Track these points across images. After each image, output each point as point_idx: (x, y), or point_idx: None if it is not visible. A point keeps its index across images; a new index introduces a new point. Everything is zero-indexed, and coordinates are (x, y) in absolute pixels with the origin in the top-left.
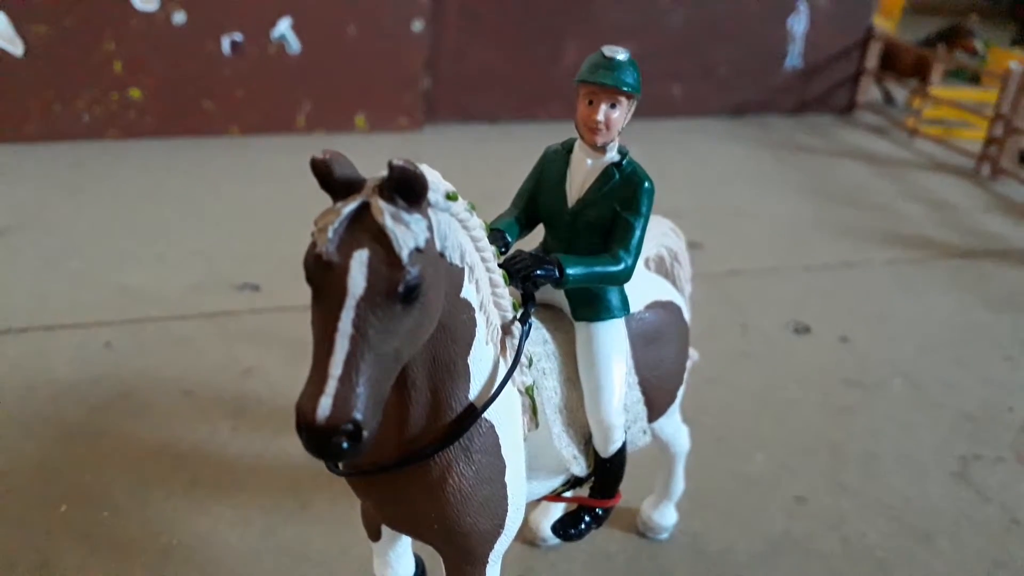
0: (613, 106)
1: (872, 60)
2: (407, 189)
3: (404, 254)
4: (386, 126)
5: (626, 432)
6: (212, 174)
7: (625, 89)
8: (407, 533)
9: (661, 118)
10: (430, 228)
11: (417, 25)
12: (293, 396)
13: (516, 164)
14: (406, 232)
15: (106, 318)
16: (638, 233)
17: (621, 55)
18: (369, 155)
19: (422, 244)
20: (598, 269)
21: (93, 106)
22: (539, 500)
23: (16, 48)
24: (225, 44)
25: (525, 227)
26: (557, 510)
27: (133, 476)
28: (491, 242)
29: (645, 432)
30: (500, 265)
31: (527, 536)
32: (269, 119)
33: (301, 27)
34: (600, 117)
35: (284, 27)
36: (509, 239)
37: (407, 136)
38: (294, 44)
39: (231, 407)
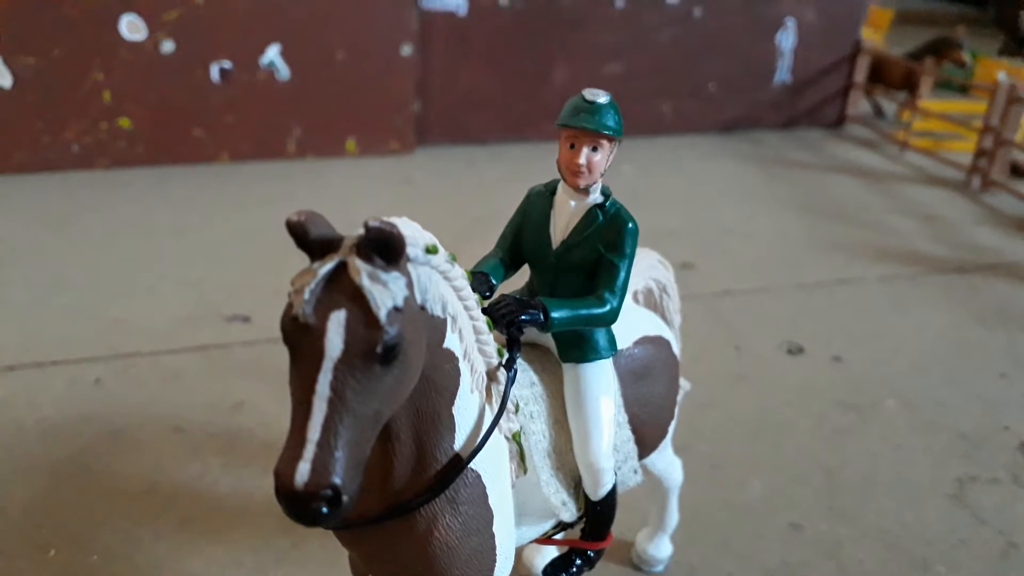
0: (595, 149)
1: (861, 74)
2: (384, 248)
3: (382, 314)
4: (377, 150)
5: (616, 473)
6: (203, 202)
7: (607, 132)
8: None
9: (651, 136)
10: (409, 284)
11: (406, 49)
12: (284, 430)
13: (507, 185)
14: (384, 291)
15: (96, 354)
16: (623, 274)
17: (602, 98)
18: (360, 179)
19: (400, 303)
20: (583, 312)
21: (83, 136)
22: (529, 542)
23: (4, 80)
24: (214, 72)
25: (510, 268)
26: (551, 547)
27: (123, 517)
28: (476, 286)
29: (636, 472)
30: (484, 311)
31: (521, 574)
32: (259, 145)
33: (290, 54)
34: (582, 161)
35: (273, 54)
36: (494, 282)
37: (398, 159)
38: (283, 70)
39: (222, 443)
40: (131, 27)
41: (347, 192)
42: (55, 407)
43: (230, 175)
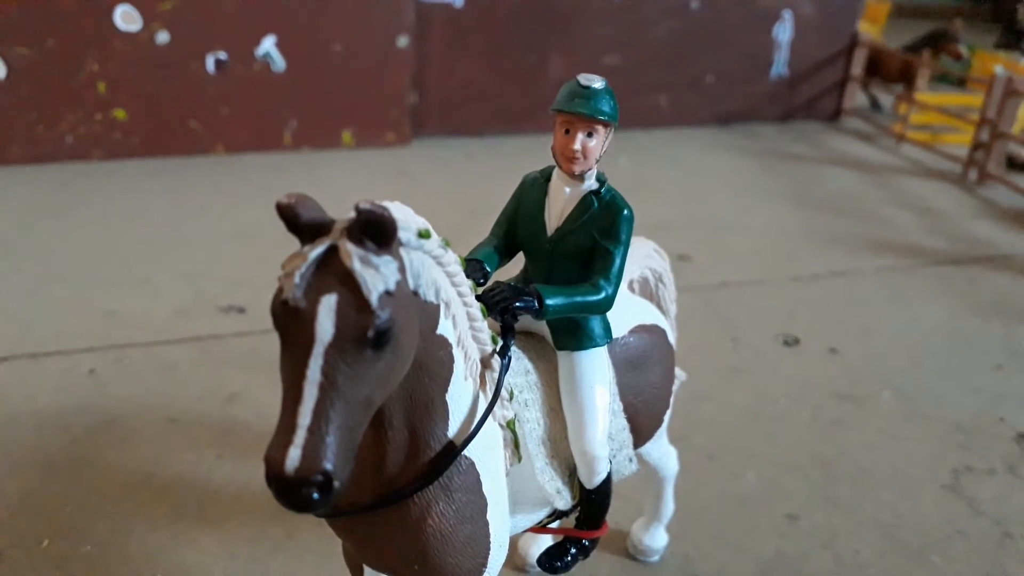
0: (590, 135)
1: (858, 66)
2: (375, 232)
3: (373, 298)
4: (373, 142)
5: (611, 461)
6: (198, 194)
7: (602, 118)
8: (388, 573)
9: (648, 128)
10: (402, 269)
11: (402, 41)
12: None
13: (503, 177)
14: (375, 275)
15: (91, 344)
16: (618, 262)
17: (597, 83)
18: (356, 171)
19: (392, 287)
20: (578, 299)
21: (77, 127)
22: (524, 531)
23: None
24: (209, 63)
25: (505, 256)
26: (546, 536)
27: (117, 508)
28: (470, 273)
29: (631, 460)
30: (478, 298)
31: (516, 562)
32: (255, 137)
33: (286, 45)
34: (577, 146)
35: (268, 45)
36: (488, 269)
37: (394, 151)
38: (279, 62)
39: (216, 434)
40: (126, 17)
41: (343, 184)
42: (49, 398)
43: (226, 167)
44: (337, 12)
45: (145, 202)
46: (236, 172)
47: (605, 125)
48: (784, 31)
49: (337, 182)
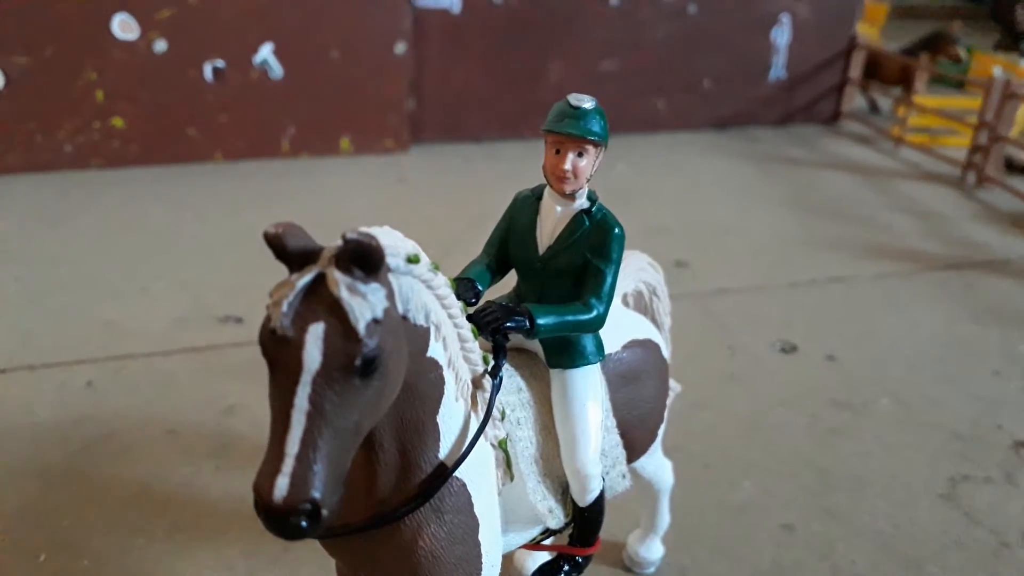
0: (580, 155)
1: (856, 69)
2: (363, 260)
3: (361, 327)
4: (371, 148)
5: (604, 479)
6: (197, 201)
7: (592, 138)
8: None
9: (646, 133)
10: (390, 295)
11: (400, 47)
12: None
13: (502, 183)
14: (363, 303)
15: (88, 356)
16: (609, 280)
17: (587, 103)
18: (355, 178)
19: (380, 315)
20: (570, 318)
21: (76, 136)
22: (517, 548)
23: None
24: (207, 71)
25: (497, 273)
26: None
27: (114, 521)
28: (462, 293)
29: (624, 476)
30: (469, 318)
31: (512, 575)
32: (254, 144)
33: (283, 52)
34: (567, 166)
35: (266, 52)
36: (480, 288)
37: (393, 158)
38: (277, 69)
39: (214, 445)
40: (124, 26)
41: (342, 191)
42: (47, 410)
43: (224, 174)
44: (334, 19)
45: (143, 210)
46: (234, 180)
47: (595, 145)
48: (782, 34)
49: (336, 189)
